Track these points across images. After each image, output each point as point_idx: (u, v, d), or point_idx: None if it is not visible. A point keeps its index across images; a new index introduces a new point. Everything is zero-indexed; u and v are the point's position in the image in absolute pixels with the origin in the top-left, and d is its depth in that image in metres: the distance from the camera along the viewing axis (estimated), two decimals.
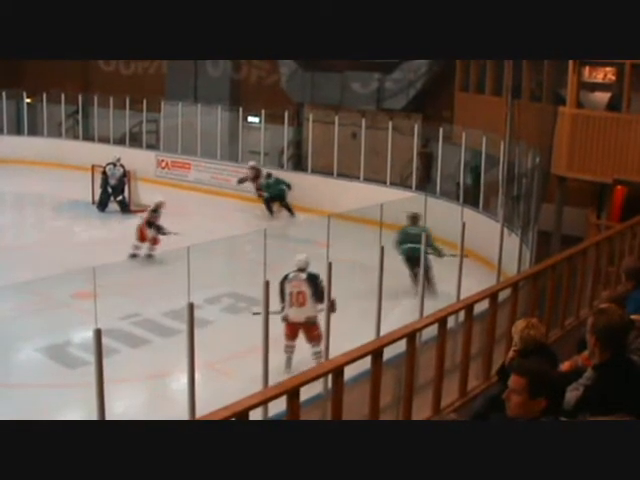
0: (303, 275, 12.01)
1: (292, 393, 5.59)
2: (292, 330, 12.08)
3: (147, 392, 12.39)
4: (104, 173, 23.00)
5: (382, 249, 11.00)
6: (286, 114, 24.41)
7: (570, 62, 16.29)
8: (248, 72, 27.87)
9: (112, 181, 22.72)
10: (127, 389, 11.66)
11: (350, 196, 21.06)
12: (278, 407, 6.00)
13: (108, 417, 8.14)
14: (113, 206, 22.85)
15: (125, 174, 23.05)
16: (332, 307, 10.54)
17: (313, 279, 11.88)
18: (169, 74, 28.95)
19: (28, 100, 31.63)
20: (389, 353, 7.11)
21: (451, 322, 8.26)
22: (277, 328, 10.28)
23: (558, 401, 4.01)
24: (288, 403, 5.61)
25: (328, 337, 10.27)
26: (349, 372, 6.46)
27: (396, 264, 13.19)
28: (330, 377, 6.33)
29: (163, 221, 18.91)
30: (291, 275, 12.09)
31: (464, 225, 12.08)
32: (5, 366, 10.27)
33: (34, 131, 31.52)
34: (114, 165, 23.00)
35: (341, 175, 22.99)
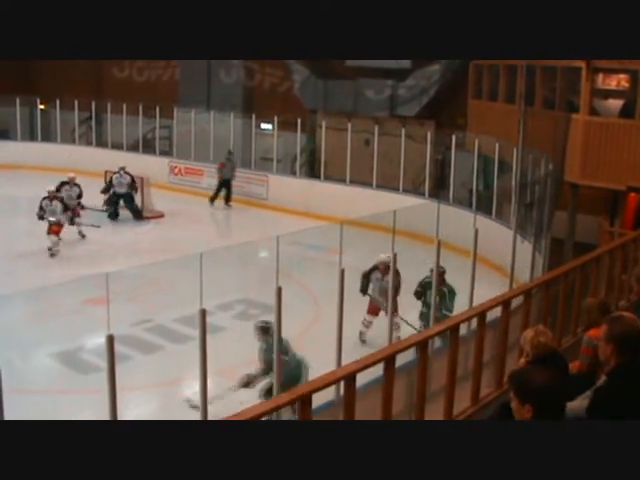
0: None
1: (304, 400, 5.58)
2: (375, 308, 13.48)
3: (159, 399, 12.39)
4: (110, 182, 22.99)
5: (395, 256, 10.99)
6: (299, 121, 24.42)
7: (583, 69, 16.26)
8: (261, 79, 27.91)
9: (120, 189, 22.67)
10: (139, 395, 11.67)
11: (363, 203, 21.04)
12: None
13: None
14: (126, 213, 22.88)
15: (134, 181, 23.02)
16: None
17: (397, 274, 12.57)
18: (182, 81, 29.02)
19: (42, 106, 31.78)
20: (401, 360, 7.10)
21: (463, 329, 8.24)
22: (290, 331, 10.24)
23: (546, 408, 4.01)
24: (300, 410, 5.60)
25: (340, 343, 10.26)
26: (361, 379, 6.45)
27: (409, 271, 13.13)
28: (342, 384, 6.32)
29: (176, 227, 18.98)
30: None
31: (477, 232, 12.03)
32: (18, 372, 10.30)
33: (47, 137, 31.67)
34: (120, 174, 22.94)
35: (354, 182, 22.98)
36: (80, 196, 21.23)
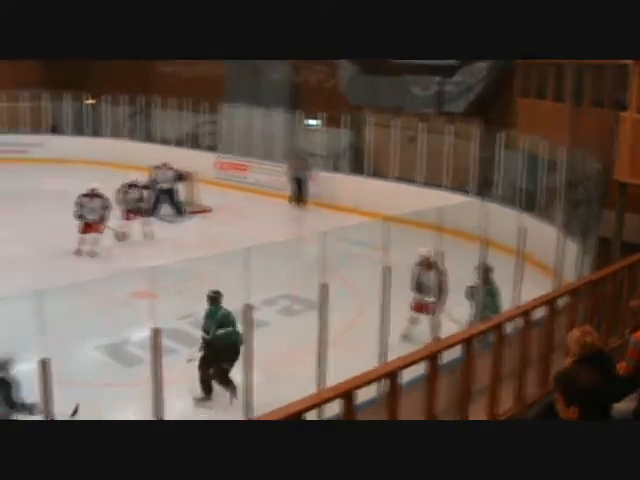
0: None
1: (347, 396, 5.59)
2: (419, 305, 13.49)
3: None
4: (154, 179, 23.03)
5: (442, 254, 10.97)
6: (345, 117, 24.41)
7: (632, 66, 16.05)
8: (308, 75, 27.92)
9: (164, 185, 22.72)
10: (184, 389, 11.74)
11: (408, 200, 20.99)
12: (334, 410, 6.00)
13: (164, 416, 8.24)
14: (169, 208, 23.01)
15: (179, 177, 23.17)
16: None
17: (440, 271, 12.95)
18: (229, 76, 29.11)
19: (91, 101, 32.12)
20: (446, 358, 7.08)
21: (508, 328, 8.20)
22: (334, 328, 10.27)
23: (592, 409, 3.98)
24: (343, 406, 5.61)
25: (383, 340, 10.26)
26: (404, 376, 6.44)
27: (454, 269, 13.09)
28: (385, 381, 6.32)
29: (222, 222, 19.05)
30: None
31: (523, 231, 11.97)
32: (65, 364, 10.42)
33: (96, 132, 32.01)
34: (163, 170, 23.10)
35: (399, 178, 22.95)
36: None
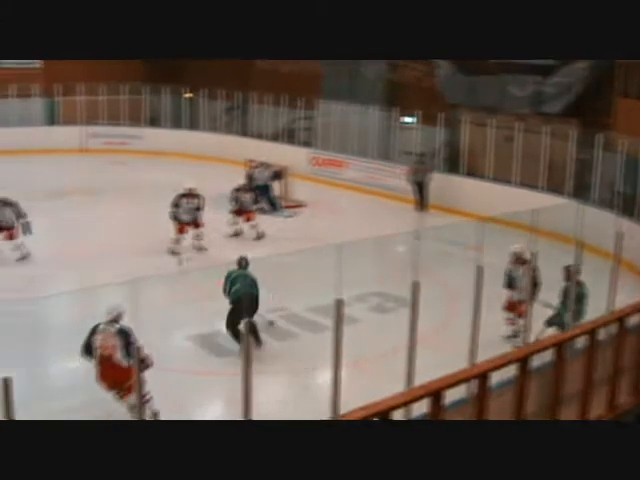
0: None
1: (436, 395, 5.59)
2: (511, 305, 13.54)
3: (291, 386, 12.58)
4: (250, 176, 23.19)
5: (534, 255, 10.85)
6: (440, 116, 24.28)
7: None
8: (404, 73, 27.81)
9: (259, 182, 22.89)
10: (271, 381, 11.87)
11: (502, 200, 20.77)
12: (421, 408, 6.01)
13: (252, 408, 8.34)
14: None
15: (275, 176, 23.39)
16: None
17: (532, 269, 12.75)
18: (326, 73, 29.22)
19: (189, 95, 32.64)
20: (537, 361, 7.02)
21: (601, 334, 8.07)
22: (424, 327, 10.23)
23: None
24: (431, 405, 5.61)
25: (474, 340, 10.20)
26: (494, 378, 6.41)
27: (548, 271, 12.92)
28: (474, 382, 6.30)
29: (315, 217, 19.11)
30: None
31: (621, 235, 11.75)
32: (156, 351, 10.63)
33: (193, 125, 32.51)
34: (260, 169, 23.35)
35: (495, 178, 22.73)
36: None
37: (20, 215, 17.57)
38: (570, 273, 12.35)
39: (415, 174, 24.06)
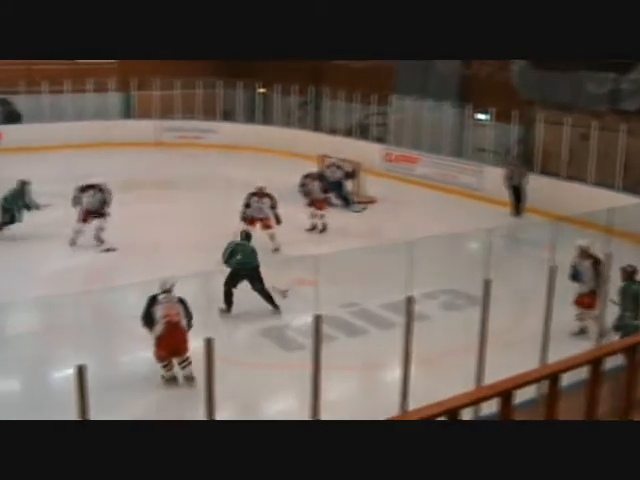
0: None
1: (506, 395, 5.55)
2: (580, 299, 13.50)
3: (360, 381, 12.62)
4: (322, 175, 23.01)
5: (609, 256, 10.71)
6: (514, 113, 24.03)
7: None
8: (478, 68, 27.56)
9: (330, 179, 22.81)
10: (341, 376, 11.91)
11: (577, 199, 20.49)
12: (490, 408, 5.98)
13: (321, 402, 8.39)
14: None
15: (347, 175, 23.37)
16: None
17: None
18: (399, 69, 29.12)
19: (262, 90, 32.86)
20: (610, 363, 6.92)
21: None
22: (495, 325, 10.17)
23: None
24: (501, 405, 5.58)
25: (545, 342, 10.11)
26: (565, 379, 6.34)
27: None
28: (545, 382, 6.24)
29: (387, 214, 18.98)
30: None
31: None
32: (227, 343, 10.77)
33: (266, 120, 32.72)
34: (330, 167, 23.38)
35: (570, 177, 22.40)
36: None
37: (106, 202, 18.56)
38: (627, 273, 12.27)
39: (510, 178, 22.84)
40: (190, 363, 11.34)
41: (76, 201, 18.46)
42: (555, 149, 22.96)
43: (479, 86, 27.05)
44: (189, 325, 11.39)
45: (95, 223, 18.46)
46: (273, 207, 18.46)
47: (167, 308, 11.27)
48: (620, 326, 12.04)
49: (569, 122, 22.70)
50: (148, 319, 11.33)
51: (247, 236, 14.95)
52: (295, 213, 19.88)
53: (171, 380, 11.45)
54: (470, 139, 25.87)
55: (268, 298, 14.26)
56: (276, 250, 18.11)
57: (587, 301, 13.33)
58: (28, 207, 18.78)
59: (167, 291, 11.37)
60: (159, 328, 11.24)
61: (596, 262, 13.04)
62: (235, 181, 22.16)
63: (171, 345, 11.35)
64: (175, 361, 11.44)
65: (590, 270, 13.27)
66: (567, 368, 6.14)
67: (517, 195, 22.69)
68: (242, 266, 14.13)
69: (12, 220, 18.57)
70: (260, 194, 18.56)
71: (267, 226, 18.36)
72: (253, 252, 14.38)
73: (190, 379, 11.35)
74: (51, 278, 15.66)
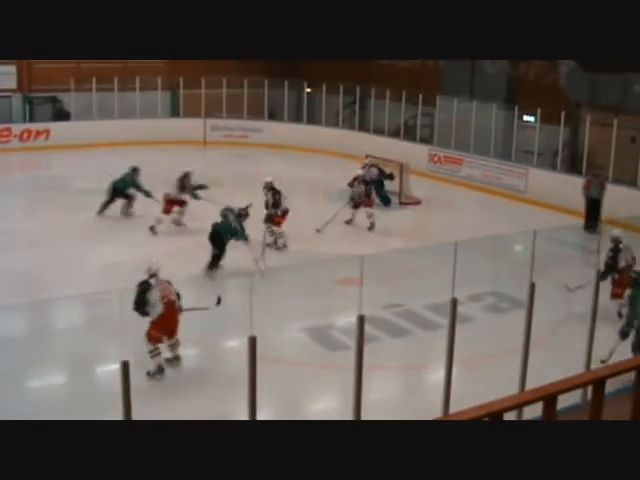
0: None
1: (549, 400, 5.51)
2: (614, 292, 13.49)
3: (403, 382, 12.58)
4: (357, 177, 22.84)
5: None
6: (562, 114, 23.79)
7: None
8: (526, 69, 27.36)
9: (367, 178, 22.67)
10: (383, 377, 11.89)
11: (625, 203, 20.23)
12: (534, 412, 5.94)
13: (363, 402, 8.38)
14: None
15: (382, 174, 23.23)
16: None
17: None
18: (446, 69, 29.02)
19: (308, 90, 32.91)
20: None
21: None
22: (539, 328, 10.10)
23: None
24: (544, 409, 5.54)
25: (590, 345, 10.02)
26: (610, 385, 6.28)
27: None
28: (590, 388, 6.18)
29: (432, 215, 18.98)
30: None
31: None
32: (270, 342, 10.78)
33: (312, 120, 32.76)
34: (364, 168, 23.27)
35: (617, 180, 22.13)
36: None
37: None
38: (635, 281, 12.02)
39: (588, 188, 21.19)
40: (180, 344, 11.62)
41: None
42: (603, 151, 22.70)
43: (526, 87, 26.87)
44: (180, 307, 11.64)
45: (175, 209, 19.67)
46: (275, 204, 18.29)
47: (163, 289, 11.44)
48: (627, 332, 11.73)
49: (617, 124, 22.43)
50: (142, 305, 11.40)
51: (239, 214, 16.31)
52: (338, 214, 19.87)
53: (158, 373, 11.41)
54: (517, 141, 25.66)
55: (211, 264, 15.70)
56: (283, 247, 18.09)
57: (618, 294, 13.29)
58: (139, 189, 20.43)
59: (154, 275, 11.56)
60: (159, 309, 11.35)
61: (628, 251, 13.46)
62: (281, 180, 22.10)
63: (169, 325, 11.53)
64: (165, 343, 11.52)
65: (623, 261, 13.35)
66: (612, 374, 6.07)
67: (593, 208, 20.86)
68: (212, 230, 15.89)
69: (127, 198, 20.54)
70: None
71: (279, 224, 18.31)
72: (229, 224, 15.98)
73: (178, 359, 11.63)
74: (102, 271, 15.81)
